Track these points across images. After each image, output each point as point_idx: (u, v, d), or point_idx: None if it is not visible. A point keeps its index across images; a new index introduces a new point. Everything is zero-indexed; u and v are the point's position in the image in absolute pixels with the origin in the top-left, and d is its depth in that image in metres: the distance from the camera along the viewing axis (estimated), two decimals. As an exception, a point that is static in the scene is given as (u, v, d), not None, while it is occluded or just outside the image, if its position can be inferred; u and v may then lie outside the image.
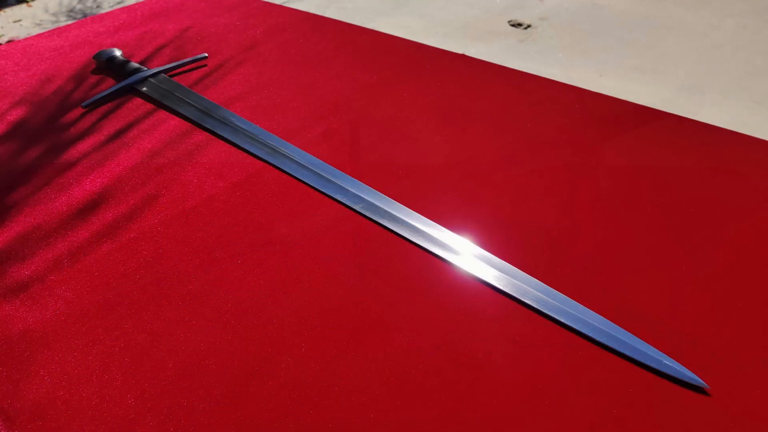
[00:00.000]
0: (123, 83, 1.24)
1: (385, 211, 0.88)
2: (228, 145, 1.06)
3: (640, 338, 0.67)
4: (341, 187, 0.93)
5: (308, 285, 0.77)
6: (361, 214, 0.88)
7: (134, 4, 1.74)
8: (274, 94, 1.22)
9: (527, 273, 0.76)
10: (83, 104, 1.21)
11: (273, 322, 0.72)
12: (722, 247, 0.80)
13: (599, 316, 0.70)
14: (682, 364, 0.64)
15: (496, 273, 0.76)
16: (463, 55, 1.35)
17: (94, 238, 0.87)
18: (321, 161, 0.99)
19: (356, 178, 0.95)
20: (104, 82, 1.32)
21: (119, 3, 4.41)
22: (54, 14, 4.23)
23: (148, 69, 1.29)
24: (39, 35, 1.56)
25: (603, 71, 2.85)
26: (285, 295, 0.76)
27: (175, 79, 1.29)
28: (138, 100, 1.23)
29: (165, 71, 1.29)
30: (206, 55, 1.37)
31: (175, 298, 0.76)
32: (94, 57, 1.37)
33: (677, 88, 2.65)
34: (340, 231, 0.86)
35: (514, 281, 0.75)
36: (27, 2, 4.45)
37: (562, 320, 0.70)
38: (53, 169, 1.03)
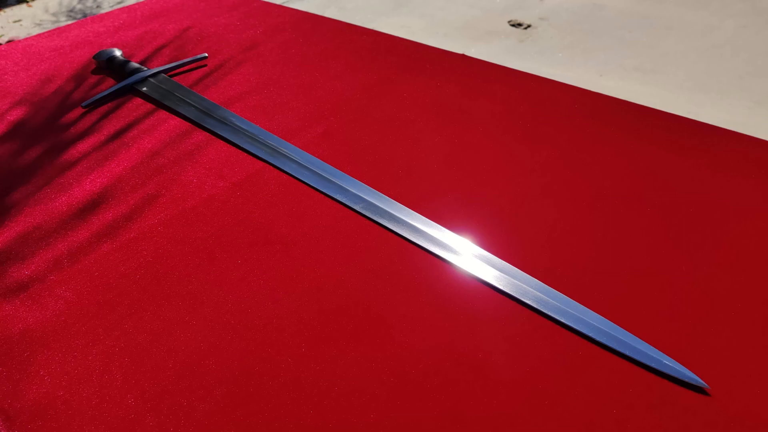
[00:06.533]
0: (123, 83, 1.24)
1: (385, 211, 0.88)
2: (228, 145, 1.06)
3: (640, 338, 0.67)
4: (341, 187, 0.93)
5: (308, 285, 0.77)
6: (361, 214, 0.88)
7: (134, 4, 1.74)
8: (274, 94, 1.22)
9: (527, 273, 0.76)
10: (83, 104, 1.21)
11: (273, 322, 0.72)
12: (722, 247, 0.80)
13: (599, 316, 0.70)
14: (682, 364, 0.64)
15: (496, 273, 0.76)
16: (463, 55, 1.35)
17: (94, 238, 0.87)
18: (321, 161, 0.99)
19: (356, 178, 0.95)
20: (104, 82, 1.32)
21: (119, 3, 4.41)
22: (54, 14, 4.23)
23: (148, 69, 1.29)
24: (39, 35, 1.56)
25: (603, 71, 2.85)
26: (285, 295, 0.76)
27: (175, 79, 1.29)
28: (138, 100, 1.23)
29: (165, 71, 1.30)
30: (206, 55, 1.37)
31: (175, 298, 0.76)
32: (94, 57, 1.37)
33: (677, 88, 2.65)
34: (340, 231, 0.86)
35: (514, 281, 0.75)
36: (27, 2, 4.45)
37: (562, 320, 0.70)
38: (53, 169, 1.03)
